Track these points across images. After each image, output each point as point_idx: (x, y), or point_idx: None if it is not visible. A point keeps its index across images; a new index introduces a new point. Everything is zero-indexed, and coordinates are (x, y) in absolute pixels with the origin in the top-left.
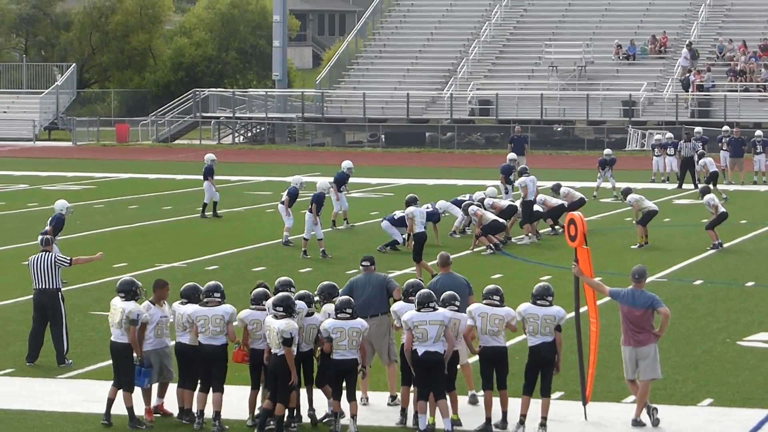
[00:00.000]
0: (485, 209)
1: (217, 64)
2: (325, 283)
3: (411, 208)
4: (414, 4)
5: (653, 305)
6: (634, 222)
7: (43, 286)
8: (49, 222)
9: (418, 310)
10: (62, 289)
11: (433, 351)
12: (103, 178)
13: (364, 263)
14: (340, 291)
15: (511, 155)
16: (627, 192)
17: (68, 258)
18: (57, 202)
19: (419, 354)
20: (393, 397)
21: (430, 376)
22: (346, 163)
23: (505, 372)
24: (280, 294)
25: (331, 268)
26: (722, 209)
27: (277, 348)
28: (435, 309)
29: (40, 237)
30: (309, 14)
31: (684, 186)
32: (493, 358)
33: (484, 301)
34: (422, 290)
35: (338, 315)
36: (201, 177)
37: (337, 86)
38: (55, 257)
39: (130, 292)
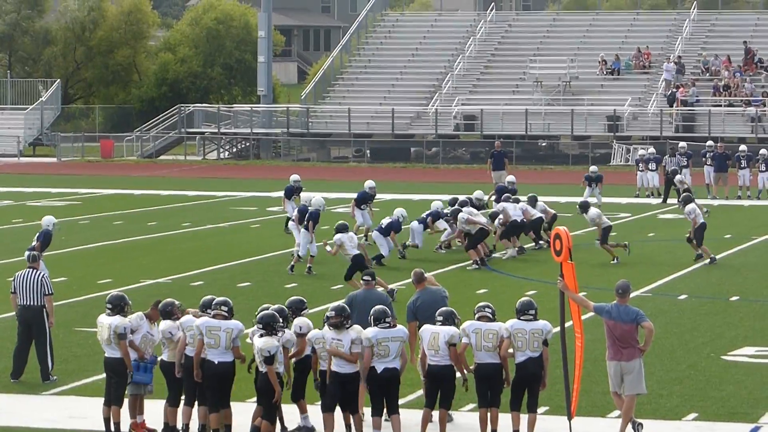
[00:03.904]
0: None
1: (203, 80)
2: (294, 297)
3: (338, 235)
4: (399, 19)
5: (637, 320)
6: (596, 240)
7: (28, 303)
8: (36, 238)
9: (376, 326)
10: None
11: (392, 367)
12: (87, 194)
13: (365, 278)
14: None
15: (510, 177)
16: (585, 206)
17: (52, 290)
18: (44, 218)
19: (378, 371)
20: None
21: (386, 393)
22: (369, 183)
23: (499, 389)
24: (264, 312)
25: (317, 283)
26: (701, 220)
27: (261, 366)
28: (392, 324)
29: (27, 253)
30: (294, 30)
31: (669, 201)
32: (488, 375)
33: (477, 317)
34: (377, 306)
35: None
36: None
37: (323, 101)
38: (43, 277)
39: (117, 306)
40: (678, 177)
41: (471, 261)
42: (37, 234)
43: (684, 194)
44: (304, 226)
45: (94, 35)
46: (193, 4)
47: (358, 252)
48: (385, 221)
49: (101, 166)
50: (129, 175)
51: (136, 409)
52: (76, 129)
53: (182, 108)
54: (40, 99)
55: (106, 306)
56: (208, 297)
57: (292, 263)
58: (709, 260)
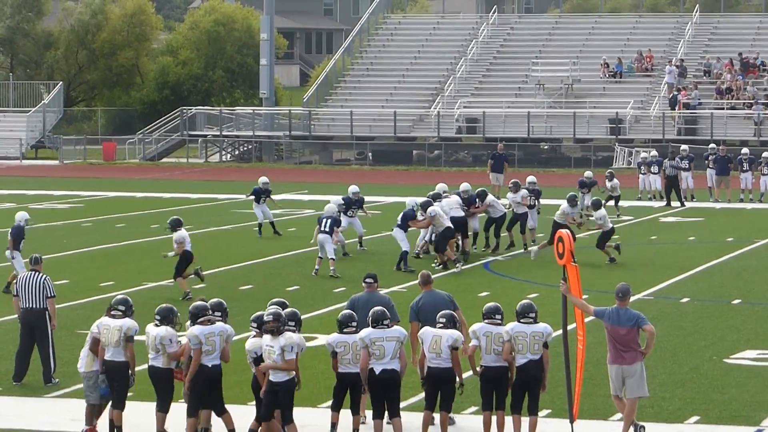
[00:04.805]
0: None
1: (204, 82)
2: (276, 300)
3: (179, 232)
4: (401, 22)
5: (638, 323)
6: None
7: (31, 305)
8: (9, 233)
9: (374, 328)
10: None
11: (390, 369)
12: (90, 197)
13: (367, 280)
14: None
15: (531, 178)
16: (484, 195)
17: (54, 292)
18: (18, 214)
19: (376, 373)
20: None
21: (386, 395)
22: (352, 188)
23: (505, 393)
24: (259, 312)
25: (318, 286)
26: (609, 225)
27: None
28: (390, 326)
29: (31, 256)
30: (296, 33)
31: (671, 204)
32: (495, 378)
33: (486, 321)
34: (375, 308)
35: (343, 330)
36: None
37: (325, 104)
38: (44, 280)
39: (129, 308)
40: (615, 181)
41: (439, 261)
42: (10, 229)
43: (595, 199)
44: (321, 231)
45: (97, 38)
46: (196, 6)
47: (189, 249)
48: (400, 216)
49: (103, 168)
50: (131, 178)
51: (98, 415)
52: (79, 131)
53: (184, 111)
54: (43, 101)
55: (117, 308)
56: (165, 306)
57: (316, 267)
58: (609, 260)
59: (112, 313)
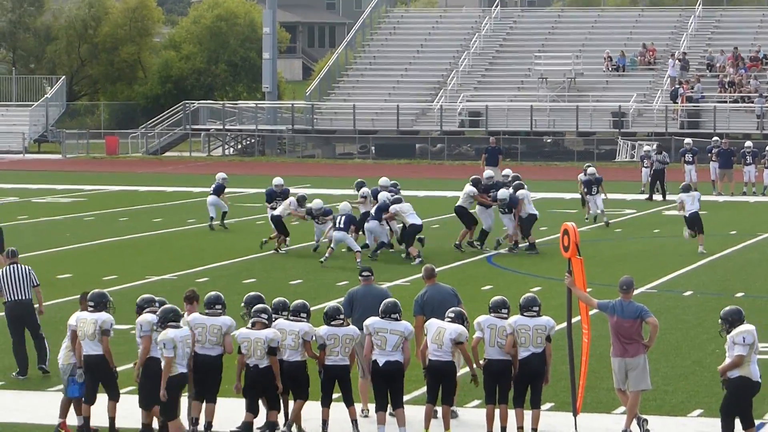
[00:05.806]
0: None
1: (207, 76)
2: (252, 294)
3: None
4: (404, 16)
5: (642, 316)
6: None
7: (19, 297)
8: None
9: (382, 318)
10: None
11: (393, 360)
12: (93, 191)
13: (363, 274)
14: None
15: (507, 171)
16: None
17: (38, 281)
18: None
19: (380, 364)
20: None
21: (389, 386)
22: (276, 180)
23: (508, 386)
24: (262, 305)
25: (321, 279)
26: (411, 222)
27: (259, 359)
28: (398, 319)
29: (7, 249)
30: (299, 26)
31: (653, 198)
32: (498, 371)
33: (493, 314)
34: (387, 299)
35: (331, 323)
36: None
37: (327, 98)
38: (29, 271)
39: (100, 303)
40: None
41: (413, 256)
42: None
43: (396, 196)
44: (336, 228)
45: (98, 32)
46: (199, 1)
47: None
48: (374, 209)
49: (106, 162)
50: (134, 172)
51: (67, 410)
52: (81, 126)
53: (187, 105)
54: (45, 96)
55: (87, 304)
56: (145, 296)
57: (326, 255)
58: (417, 260)
59: (89, 308)
